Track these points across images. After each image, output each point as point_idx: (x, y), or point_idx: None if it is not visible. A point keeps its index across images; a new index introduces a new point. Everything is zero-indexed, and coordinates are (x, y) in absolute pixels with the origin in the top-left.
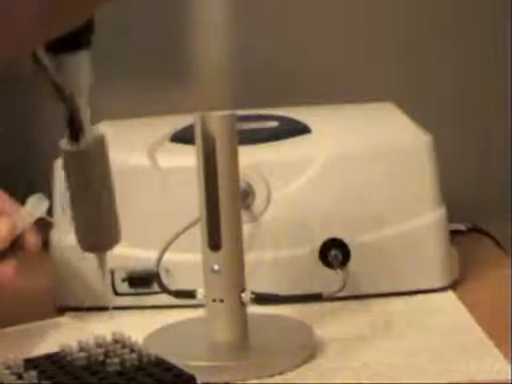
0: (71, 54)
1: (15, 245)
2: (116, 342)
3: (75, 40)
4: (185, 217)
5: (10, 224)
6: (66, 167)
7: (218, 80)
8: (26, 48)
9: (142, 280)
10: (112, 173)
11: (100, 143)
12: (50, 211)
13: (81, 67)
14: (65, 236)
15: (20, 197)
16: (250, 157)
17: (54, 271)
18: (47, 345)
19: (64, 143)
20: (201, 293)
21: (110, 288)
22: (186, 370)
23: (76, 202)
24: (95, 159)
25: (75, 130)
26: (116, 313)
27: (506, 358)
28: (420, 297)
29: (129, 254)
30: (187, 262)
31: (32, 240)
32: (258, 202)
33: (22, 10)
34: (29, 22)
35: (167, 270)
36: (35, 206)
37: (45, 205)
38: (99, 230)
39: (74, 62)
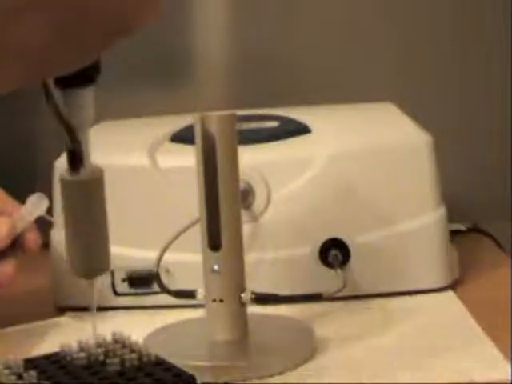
0: (78, 88)
1: (15, 244)
2: (116, 341)
3: (84, 77)
4: (185, 217)
5: (10, 223)
6: (65, 196)
7: (218, 80)
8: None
9: (142, 280)
10: (112, 173)
11: (98, 174)
12: (50, 211)
13: (86, 101)
14: (65, 236)
15: (20, 197)
16: (250, 157)
17: (54, 271)
18: (47, 345)
19: (64, 173)
20: (201, 293)
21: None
22: (186, 369)
23: (71, 230)
24: (93, 189)
25: (76, 161)
26: (116, 313)
27: (505, 358)
28: (420, 297)
29: (129, 254)
30: (187, 262)
31: (32, 238)
32: (258, 202)
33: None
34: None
35: (167, 270)
36: (35, 205)
37: (45, 204)
38: (92, 257)
39: (80, 96)
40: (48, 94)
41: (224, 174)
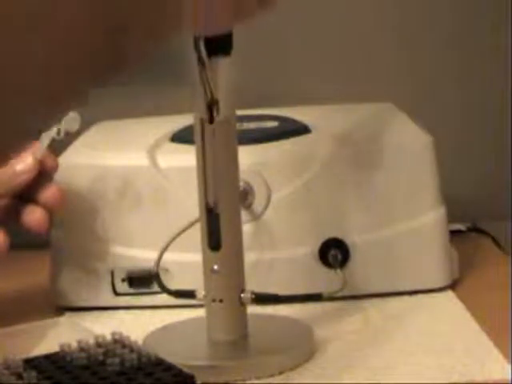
0: (223, 56)
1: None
2: (116, 341)
3: (228, 45)
4: (185, 217)
5: (33, 154)
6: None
7: None
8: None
9: (142, 280)
10: (112, 173)
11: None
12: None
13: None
14: (65, 236)
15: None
16: (250, 157)
17: (54, 271)
18: (47, 345)
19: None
20: (201, 293)
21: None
22: (186, 369)
23: None
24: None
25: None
26: (116, 313)
27: (505, 358)
28: (420, 297)
29: (129, 253)
30: (187, 262)
31: (51, 193)
32: (258, 202)
33: None
34: None
35: (167, 270)
36: (69, 122)
37: (77, 121)
38: None
39: (222, 64)
40: (199, 54)
41: (224, 174)
